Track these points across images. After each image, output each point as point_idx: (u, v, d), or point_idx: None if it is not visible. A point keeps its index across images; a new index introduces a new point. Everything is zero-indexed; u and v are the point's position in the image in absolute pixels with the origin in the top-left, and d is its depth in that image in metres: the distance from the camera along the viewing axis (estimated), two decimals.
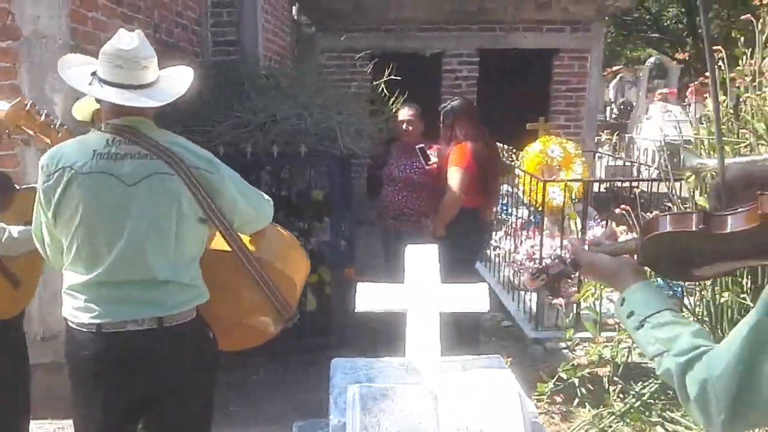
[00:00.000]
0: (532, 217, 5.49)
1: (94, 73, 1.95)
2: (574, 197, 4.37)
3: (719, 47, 3.90)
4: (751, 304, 3.48)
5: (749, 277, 3.45)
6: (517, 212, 5.30)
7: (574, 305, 4.34)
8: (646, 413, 3.38)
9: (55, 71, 3.43)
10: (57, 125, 2.32)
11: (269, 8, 6.75)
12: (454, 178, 3.73)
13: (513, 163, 5.46)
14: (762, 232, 1.09)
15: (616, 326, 3.78)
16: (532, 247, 4.64)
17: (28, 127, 2.30)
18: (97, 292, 1.92)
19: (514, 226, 5.22)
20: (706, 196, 3.72)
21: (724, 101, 3.76)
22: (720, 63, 3.84)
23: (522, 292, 4.83)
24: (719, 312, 3.54)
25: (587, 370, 3.52)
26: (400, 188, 4.22)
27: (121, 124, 1.96)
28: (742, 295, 3.52)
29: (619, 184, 6.12)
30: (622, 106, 15.50)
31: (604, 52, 8.63)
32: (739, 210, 1.13)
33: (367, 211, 6.67)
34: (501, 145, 5.71)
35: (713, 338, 1.21)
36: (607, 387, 3.50)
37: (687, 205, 3.87)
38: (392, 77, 5.20)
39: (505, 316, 4.86)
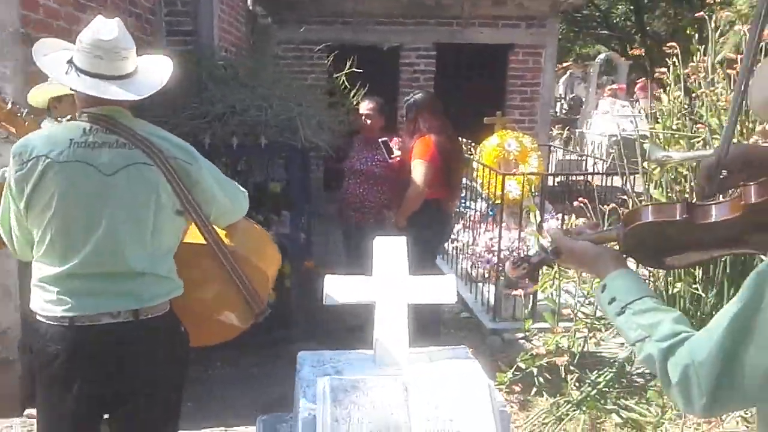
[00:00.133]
0: (489, 210, 5.57)
1: (70, 61, 1.91)
2: (533, 190, 4.44)
3: (673, 44, 4.02)
4: (703, 294, 3.62)
5: (701, 268, 3.58)
6: (475, 205, 5.36)
7: (531, 297, 4.43)
8: (602, 401, 3.48)
9: (6, 59, 3.33)
10: (24, 114, 2.24)
11: None
12: (418, 171, 3.75)
13: (471, 157, 5.52)
14: (744, 221, 1.13)
15: (574, 316, 3.88)
16: (491, 239, 4.70)
17: None
18: (70, 284, 1.86)
19: (472, 219, 5.27)
20: (660, 189, 3.85)
21: (678, 97, 3.87)
22: (674, 59, 3.97)
23: (480, 284, 4.89)
24: (672, 302, 3.66)
25: (545, 360, 3.60)
26: (361, 181, 4.22)
27: (98, 113, 1.92)
28: (694, 286, 3.65)
29: (574, 177, 6.25)
30: (572, 102, 15.80)
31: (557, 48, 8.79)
32: (723, 200, 1.17)
33: (324, 204, 6.66)
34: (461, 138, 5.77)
35: None
36: (564, 376, 3.58)
37: (642, 198, 3.99)
38: (351, 70, 5.20)
39: (463, 308, 4.91)
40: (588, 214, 3.88)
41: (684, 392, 1.09)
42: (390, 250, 2.53)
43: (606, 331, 4.03)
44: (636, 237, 1.29)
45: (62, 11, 3.68)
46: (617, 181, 5.04)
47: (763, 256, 1.42)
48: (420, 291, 2.47)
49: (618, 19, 17.59)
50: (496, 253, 4.57)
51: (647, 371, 3.86)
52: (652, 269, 3.47)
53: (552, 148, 8.24)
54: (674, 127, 3.90)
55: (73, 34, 2.01)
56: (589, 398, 3.45)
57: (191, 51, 5.59)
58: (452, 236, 5.33)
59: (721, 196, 1.28)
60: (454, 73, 8.17)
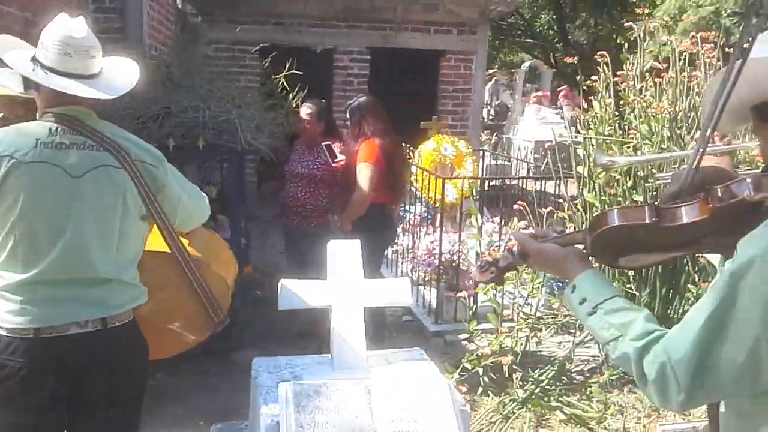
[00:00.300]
0: (427, 214, 5.64)
1: (34, 59, 1.82)
2: (475, 194, 4.52)
3: (603, 53, 4.18)
4: (636, 293, 3.78)
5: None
6: (414, 209, 5.40)
7: (472, 298, 4.51)
8: (546, 399, 3.57)
9: None
10: None
11: None
12: (364, 174, 3.75)
13: (410, 161, 5.57)
14: (709, 224, 1.18)
15: (516, 317, 3.96)
16: (432, 242, 4.74)
17: None
18: (35, 293, 1.76)
19: (412, 222, 5.32)
20: (593, 193, 3.99)
21: (609, 104, 4.03)
22: (603, 67, 4.13)
23: (421, 287, 4.93)
24: None
25: (490, 360, 3.66)
26: (303, 184, 4.17)
27: (62, 113, 1.83)
28: (627, 285, 3.81)
29: (508, 181, 6.40)
30: (498, 108, 16.19)
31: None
32: (689, 202, 1.21)
33: (259, 207, 6.55)
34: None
35: None
36: (508, 375, 3.65)
37: (576, 201, 4.12)
38: (284, 72, 5.13)
39: (405, 311, 4.93)
40: (527, 217, 3.98)
41: (661, 389, 1.13)
42: (344, 253, 2.52)
43: (545, 330, 4.15)
44: (603, 240, 1.31)
45: None
46: (549, 186, 5.20)
47: (711, 258, 1.49)
48: (375, 294, 2.48)
49: (541, 28, 18.19)
50: (437, 257, 4.62)
51: (586, 369, 4.00)
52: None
53: (488, 152, 8.40)
54: (606, 132, 4.07)
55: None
56: (533, 396, 3.54)
57: (119, 49, 5.39)
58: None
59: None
60: (388, 77, 8.22)
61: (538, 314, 4.09)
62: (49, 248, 1.77)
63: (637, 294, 3.72)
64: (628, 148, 3.93)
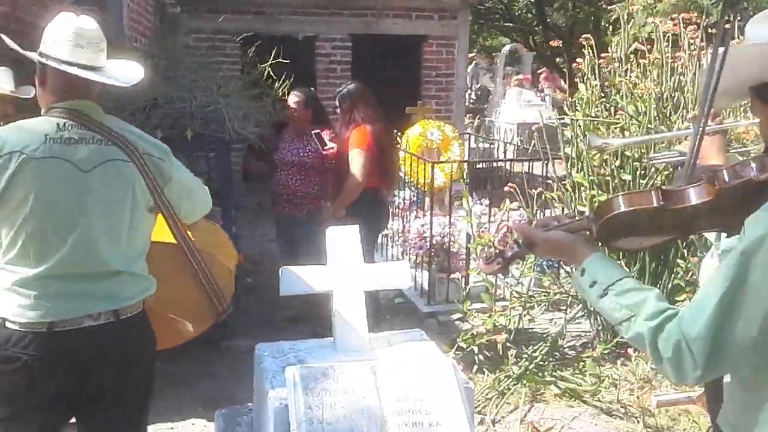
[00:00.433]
0: (415, 198, 5.68)
1: (41, 54, 1.84)
2: (465, 177, 4.56)
3: (588, 36, 4.23)
4: (626, 269, 3.85)
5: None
6: (402, 194, 5.44)
7: (464, 279, 4.57)
8: (540, 374, 3.65)
9: None
10: None
11: None
12: (356, 161, 3.77)
13: (398, 146, 5.60)
14: (713, 205, 1.23)
15: (510, 296, 4.03)
16: (422, 226, 4.79)
17: None
18: (47, 287, 1.77)
19: (401, 206, 5.36)
20: (582, 173, 4.05)
21: (595, 86, 4.08)
22: (589, 49, 4.18)
23: (412, 270, 4.98)
24: None
25: (485, 338, 3.72)
26: (293, 172, 4.18)
27: (69, 108, 1.84)
28: (617, 262, 3.88)
29: (495, 164, 6.46)
30: (479, 92, 16.23)
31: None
32: (694, 185, 1.26)
33: (245, 196, 6.56)
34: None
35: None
36: (503, 353, 3.72)
37: (565, 182, 4.19)
38: (269, 62, 5.12)
39: (397, 294, 4.99)
40: (518, 198, 4.04)
41: (676, 366, 1.18)
42: (343, 239, 2.55)
43: (537, 308, 4.22)
44: (610, 226, 1.35)
45: None
46: (537, 167, 5.26)
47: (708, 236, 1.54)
48: (375, 278, 2.51)
49: (520, 12, 18.23)
50: (428, 240, 4.67)
51: (578, 344, 4.09)
52: None
53: (473, 136, 8.46)
54: (593, 114, 4.13)
55: None
56: (528, 372, 3.62)
57: None
58: None
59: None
60: (370, 63, 8.22)
61: (530, 293, 4.16)
62: (60, 243, 1.78)
63: (627, 270, 3.79)
64: (616, 128, 3.99)
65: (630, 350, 3.52)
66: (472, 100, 16.00)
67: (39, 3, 4.65)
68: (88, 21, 1.86)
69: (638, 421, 3.25)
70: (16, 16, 4.37)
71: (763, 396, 1.20)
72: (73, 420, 1.96)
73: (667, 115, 3.79)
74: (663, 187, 1.32)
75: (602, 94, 4.06)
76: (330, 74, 8.02)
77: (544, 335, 4.01)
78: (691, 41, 3.90)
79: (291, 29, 7.92)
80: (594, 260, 1.35)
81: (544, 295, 4.21)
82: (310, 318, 4.40)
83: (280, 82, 5.06)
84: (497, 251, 1.54)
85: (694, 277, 3.72)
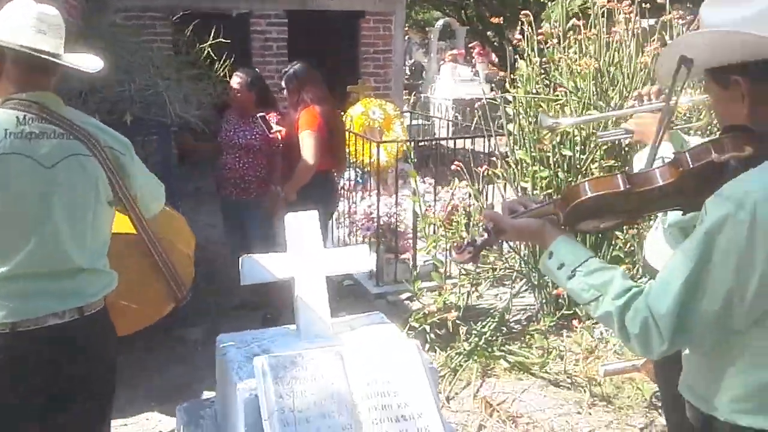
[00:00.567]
0: (359, 178, 5.69)
1: None
2: (412, 156, 4.60)
3: (527, 12, 4.29)
4: None
5: None
6: (348, 174, 5.44)
7: (412, 259, 4.64)
8: (489, 350, 3.76)
9: None
10: None
11: None
12: (308, 143, 3.74)
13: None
14: (676, 186, 1.30)
15: (457, 274, 4.11)
16: (369, 206, 4.82)
17: None
18: (11, 287, 1.71)
19: (346, 187, 5.36)
20: (524, 149, 4.16)
21: (535, 63, 4.17)
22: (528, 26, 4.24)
23: None
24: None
25: (436, 317, 3.81)
26: (240, 155, 4.11)
27: (30, 100, 1.75)
28: None
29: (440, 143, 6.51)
30: (413, 68, 16.28)
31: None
32: (657, 167, 1.33)
33: (183, 181, 6.40)
34: None
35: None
36: (453, 330, 3.82)
37: (508, 158, 4.29)
38: (209, 41, 4.99)
39: (345, 276, 5.01)
40: (464, 177, 4.11)
41: (644, 341, 1.26)
42: (302, 225, 2.54)
43: (484, 284, 4.34)
44: (577, 212, 1.40)
45: None
46: (478, 144, 5.36)
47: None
48: (336, 262, 2.53)
49: None
50: (375, 220, 4.70)
51: (523, 318, 4.23)
52: None
53: (411, 113, 8.49)
54: (534, 91, 4.22)
55: None
56: (478, 348, 3.72)
57: None
58: None
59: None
60: (307, 41, 8.09)
61: (477, 269, 4.26)
62: (24, 241, 1.73)
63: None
64: (556, 105, 4.10)
65: (574, 322, 3.67)
66: (406, 76, 16.04)
67: None
68: (48, 6, 1.79)
69: (585, 391, 3.40)
70: None
71: (723, 363, 1.28)
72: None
73: (605, 90, 3.92)
74: (626, 171, 1.39)
75: (542, 71, 4.15)
76: (266, 52, 7.88)
77: (491, 311, 4.13)
78: (626, 16, 4.01)
79: (224, 6, 7.70)
80: (560, 243, 1.40)
81: (491, 270, 4.32)
82: (258, 305, 4.38)
83: (220, 62, 4.94)
84: (468, 240, 1.59)
85: (632, 248, 3.91)
